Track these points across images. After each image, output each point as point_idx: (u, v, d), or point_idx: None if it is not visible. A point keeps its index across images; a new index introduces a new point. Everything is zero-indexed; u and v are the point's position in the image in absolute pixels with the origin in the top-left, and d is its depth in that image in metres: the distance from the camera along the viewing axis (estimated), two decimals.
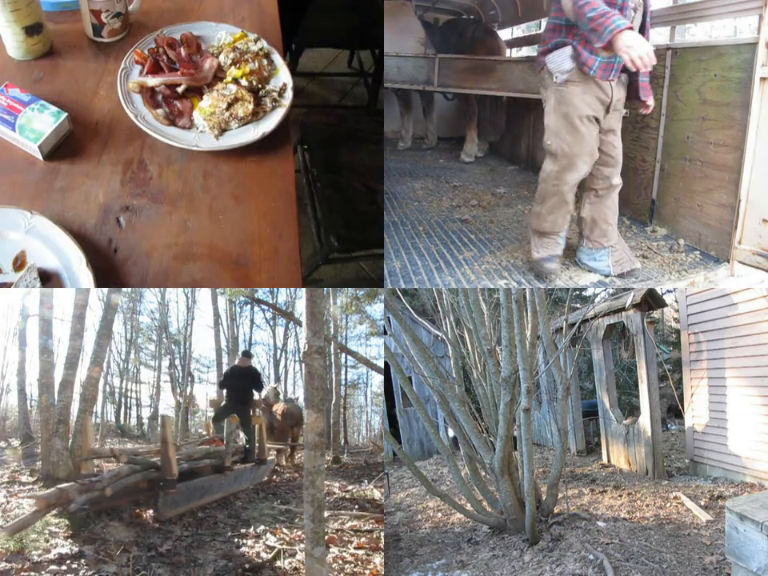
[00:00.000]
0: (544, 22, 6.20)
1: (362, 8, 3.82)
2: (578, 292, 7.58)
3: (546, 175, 2.83)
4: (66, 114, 1.83)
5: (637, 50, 2.35)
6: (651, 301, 4.70)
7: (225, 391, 4.70)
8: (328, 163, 3.30)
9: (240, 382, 4.62)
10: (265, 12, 2.41)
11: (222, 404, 4.66)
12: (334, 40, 4.04)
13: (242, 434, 4.57)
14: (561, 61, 2.65)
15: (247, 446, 4.51)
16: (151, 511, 3.24)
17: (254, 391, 4.74)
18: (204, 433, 6.14)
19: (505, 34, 6.46)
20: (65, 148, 1.85)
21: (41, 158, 1.80)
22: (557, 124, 2.70)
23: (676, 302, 6.00)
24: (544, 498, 3.11)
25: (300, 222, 1.84)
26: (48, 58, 2.08)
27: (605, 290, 4.61)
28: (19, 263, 1.59)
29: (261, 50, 2.14)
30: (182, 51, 2.03)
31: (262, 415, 5.09)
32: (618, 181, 2.86)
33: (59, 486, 2.94)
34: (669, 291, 6.22)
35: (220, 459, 3.89)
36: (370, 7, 3.86)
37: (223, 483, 3.78)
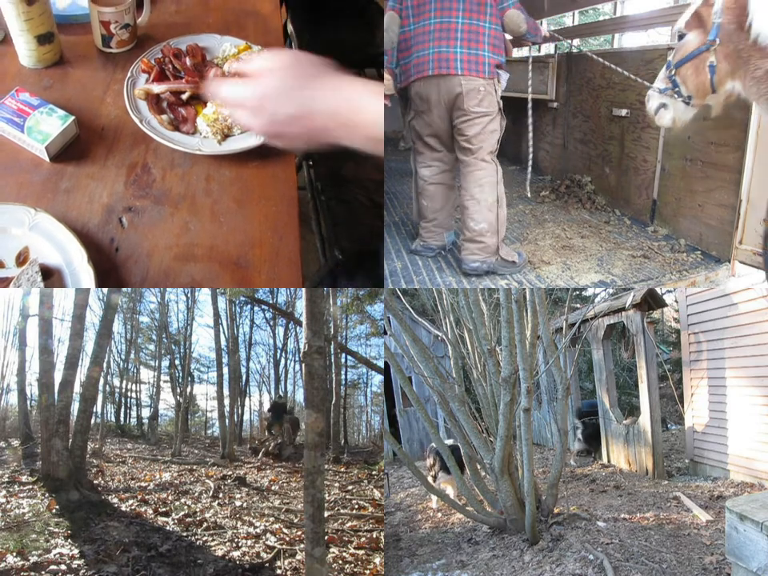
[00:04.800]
0: (545, 21, 6.21)
1: (366, 26, 3.88)
2: (577, 292, 7.58)
3: (501, 177, 3.07)
4: (73, 118, 1.87)
5: None
6: (651, 301, 4.70)
7: (271, 413, 8.20)
8: (333, 177, 3.30)
9: (279, 407, 8.32)
10: (269, 26, 2.46)
11: (270, 419, 8.11)
12: (340, 59, 4.05)
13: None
14: (505, 81, 3.08)
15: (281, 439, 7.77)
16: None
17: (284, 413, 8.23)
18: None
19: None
20: (71, 151, 1.88)
21: (47, 159, 1.83)
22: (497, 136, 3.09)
23: (676, 302, 6.01)
24: (544, 498, 3.11)
25: (305, 237, 1.86)
26: (58, 66, 2.13)
27: (605, 290, 4.61)
28: (22, 259, 1.61)
29: None
30: (188, 61, 2.08)
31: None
32: None
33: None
34: (669, 291, 6.22)
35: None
36: (375, 26, 3.90)
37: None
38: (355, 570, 2.77)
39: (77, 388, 4.42)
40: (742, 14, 1.66)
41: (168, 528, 3.32)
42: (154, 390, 11.79)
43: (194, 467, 6.26)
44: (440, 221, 3.29)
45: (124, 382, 12.40)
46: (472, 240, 3.02)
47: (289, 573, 2.69)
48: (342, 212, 3.14)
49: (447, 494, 3.73)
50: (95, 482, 4.56)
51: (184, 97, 2.00)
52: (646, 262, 3.27)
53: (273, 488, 4.96)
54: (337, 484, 5.11)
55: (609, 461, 5.34)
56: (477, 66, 2.95)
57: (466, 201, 3.03)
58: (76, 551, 2.74)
